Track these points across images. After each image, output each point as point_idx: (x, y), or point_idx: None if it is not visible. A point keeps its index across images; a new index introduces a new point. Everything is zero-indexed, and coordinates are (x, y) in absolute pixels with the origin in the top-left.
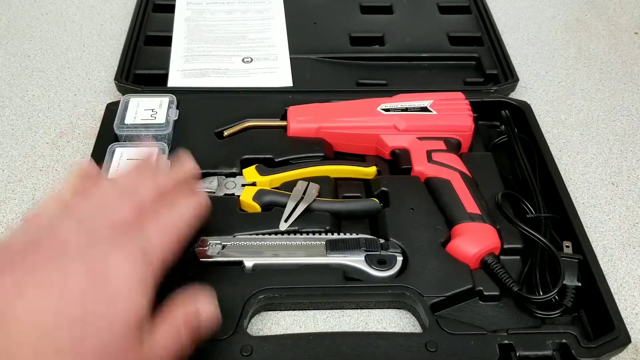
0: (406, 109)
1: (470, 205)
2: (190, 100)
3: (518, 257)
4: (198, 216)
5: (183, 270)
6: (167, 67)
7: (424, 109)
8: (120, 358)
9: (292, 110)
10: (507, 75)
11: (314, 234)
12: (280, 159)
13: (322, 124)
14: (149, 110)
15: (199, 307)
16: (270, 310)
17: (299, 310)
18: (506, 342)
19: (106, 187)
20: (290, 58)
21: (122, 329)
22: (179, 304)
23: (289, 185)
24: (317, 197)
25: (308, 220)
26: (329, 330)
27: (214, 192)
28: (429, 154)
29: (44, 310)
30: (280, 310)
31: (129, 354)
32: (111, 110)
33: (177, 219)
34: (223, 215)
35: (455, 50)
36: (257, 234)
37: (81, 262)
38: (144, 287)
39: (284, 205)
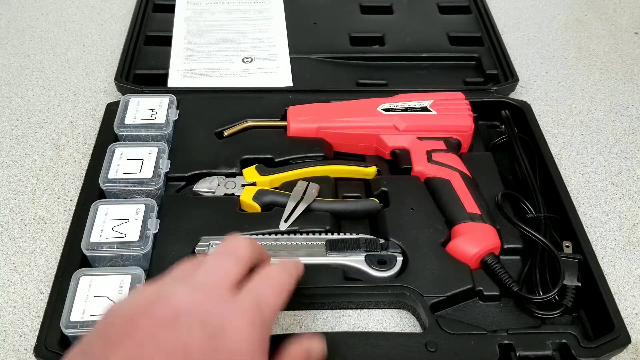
0: (406, 109)
1: (470, 205)
2: (190, 100)
3: (518, 257)
4: (299, 275)
5: None
6: (167, 67)
7: (424, 109)
8: None
9: (292, 110)
10: (507, 75)
11: (314, 234)
12: (280, 159)
13: (322, 124)
14: (149, 110)
15: (312, 345)
16: None
17: (299, 310)
18: (506, 342)
19: (208, 257)
20: (290, 58)
21: None
22: (293, 343)
23: (289, 185)
24: (317, 197)
25: (308, 220)
26: (329, 330)
27: (214, 192)
28: (429, 154)
29: None
30: (281, 310)
31: None
32: (111, 110)
33: (285, 276)
34: (223, 216)
35: (455, 50)
36: (257, 234)
37: (200, 325)
38: (263, 347)
39: (284, 205)
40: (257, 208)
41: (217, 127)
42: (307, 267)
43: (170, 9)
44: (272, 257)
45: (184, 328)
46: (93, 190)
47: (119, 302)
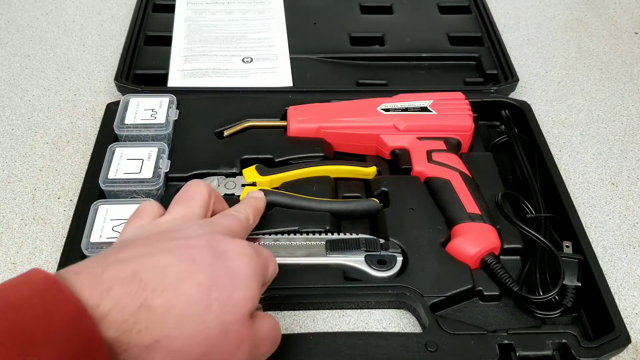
0: (406, 109)
1: (470, 205)
2: (190, 100)
3: (518, 257)
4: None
5: None
6: (167, 67)
7: (424, 109)
8: (238, 337)
9: (292, 110)
10: (507, 75)
11: (314, 234)
12: (280, 159)
13: (322, 124)
14: (149, 110)
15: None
16: (270, 310)
17: (299, 310)
18: (506, 342)
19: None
20: (290, 58)
21: (241, 309)
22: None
23: (289, 185)
24: (316, 197)
25: (308, 220)
26: (329, 330)
27: None
28: (429, 154)
29: (175, 272)
30: (280, 310)
31: (244, 335)
32: (111, 110)
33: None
34: None
35: (455, 50)
36: (257, 234)
37: (207, 247)
38: (259, 279)
39: (284, 206)
40: None
41: (217, 127)
42: (307, 267)
43: (170, 9)
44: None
45: (194, 246)
46: (93, 190)
47: (135, 227)
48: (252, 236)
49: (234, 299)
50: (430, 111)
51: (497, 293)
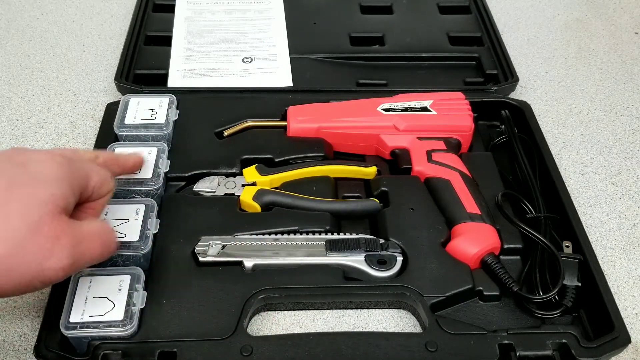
0: (406, 109)
1: (470, 205)
2: (190, 100)
3: (518, 257)
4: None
5: (184, 269)
6: (167, 67)
7: (424, 109)
8: (53, 231)
9: (292, 110)
10: (507, 75)
11: (314, 234)
12: (280, 159)
13: (322, 124)
14: (149, 110)
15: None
16: (270, 310)
17: (299, 310)
18: (506, 342)
19: None
20: (290, 58)
21: (48, 206)
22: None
23: (289, 185)
24: (316, 197)
25: (308, 220)
26: (329, 330)
27: (214, 192)
28: (429, 154)
29: None
30: (280, 310)
31: (60, 230)
32: (111, 110)
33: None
34: (223, 215)
35: (455, 50)
36: (257, 234)
37: (7, 160)
38: (71, 182)
39: (284, 206)
40: (257, 208)
41: (217, 127)
42: (307, 267)
43: (170, 9)
44: (272, 258)
45: None
46: None
47: None
48: (252, 236)
49: (39, 196)
50: (430, 111)
51: (497, 293)
